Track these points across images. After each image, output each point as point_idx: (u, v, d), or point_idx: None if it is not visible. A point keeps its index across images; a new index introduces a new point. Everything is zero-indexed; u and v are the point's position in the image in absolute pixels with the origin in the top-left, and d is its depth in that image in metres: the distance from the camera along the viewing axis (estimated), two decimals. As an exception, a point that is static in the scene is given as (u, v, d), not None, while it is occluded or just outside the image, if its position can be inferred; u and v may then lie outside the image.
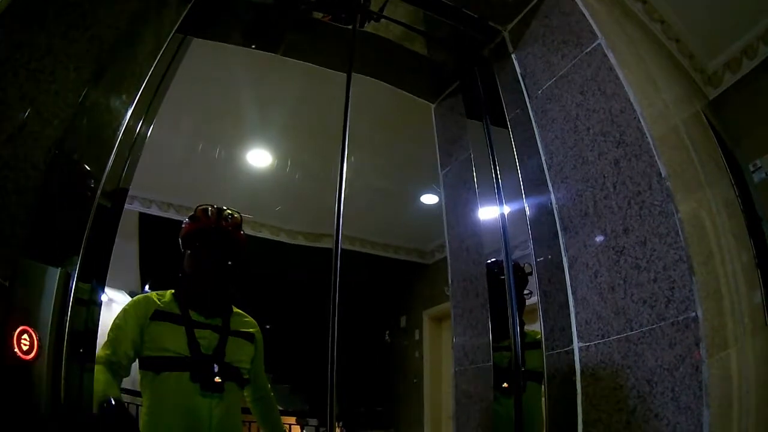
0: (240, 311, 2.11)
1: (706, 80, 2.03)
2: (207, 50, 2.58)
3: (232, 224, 2.02)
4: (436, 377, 5.05)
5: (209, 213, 2.00)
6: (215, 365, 1.85)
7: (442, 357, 5.07)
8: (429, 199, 4.43)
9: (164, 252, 3.12)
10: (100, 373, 1.68)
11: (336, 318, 1.83)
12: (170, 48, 2.20)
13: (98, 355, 1.71)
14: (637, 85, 1.72)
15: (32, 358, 1.39)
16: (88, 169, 1.73)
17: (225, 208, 2.06)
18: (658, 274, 1.48)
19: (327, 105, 3.20)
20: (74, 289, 1.56)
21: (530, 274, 2.09)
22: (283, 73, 3.06)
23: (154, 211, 4.60)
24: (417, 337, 5.35)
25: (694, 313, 1.36)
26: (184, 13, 2.24)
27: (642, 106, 1.65)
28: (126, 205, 1.86)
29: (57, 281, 1.49)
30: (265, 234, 4.82)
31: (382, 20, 2.52)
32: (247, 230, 2.18)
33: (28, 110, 1.44)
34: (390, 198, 4.36)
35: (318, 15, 2.45)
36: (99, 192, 1.78)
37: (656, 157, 1.54)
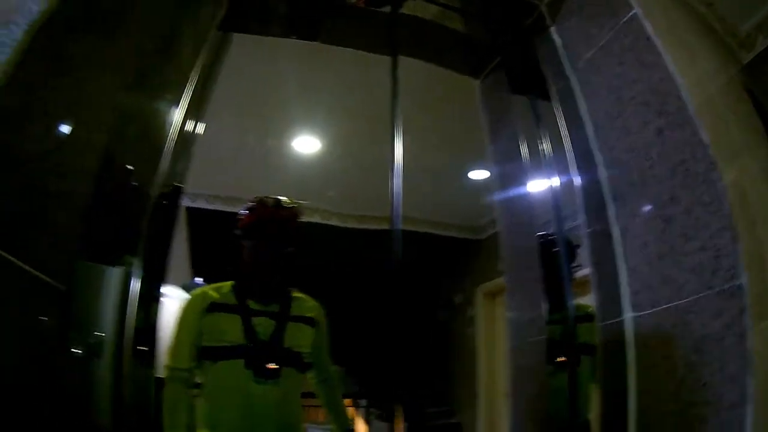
0: (302, 295, 2.12)
1: (740, 44, 2.00)
2: (248, 44, 2.65)
3: (290, 214, 2.03)
4: (490, 354, 5.06)
5: (267, 204, 2.00)
6: (271, 351, 1.88)
7: (496, 333, 5.08)
8: (478, 174, 4.46)
9: (213, 244, 3.24)
10: (168, 395, 1.78)
11: (396, 300, 1.91)
12: (211, 46, 2.28)
13: (165, 365, 1.82)
14: (675, 54, 1.72)
15: (95, 357, 1.48)
16: (138, 170, 1.79)
17: (282, 197, 2.06)
18: (704, 242, 1.51)
19: (369, 88, 3.26)
20: (135, 288, 1.66)
21: (578, 247, 2.14)
22: (324, 60, 3.12)
23: (201, 204, 4.73)
24: (471, 313, 5.38)
25: (739, 282, 1.38)
26: (222, 11, 2.33)
27: (681, 74, 1.66)
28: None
29: (118, 281, 1.58)
30: (316, 219, 4.92)
31: (419, 1, 2.58)
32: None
33: (75, 118, 1.48)
34: (439, 176, 4.41)
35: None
36: (152, 191, 1.89)
37: (698, 126, 1.56)
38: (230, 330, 1.86)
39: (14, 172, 1.23)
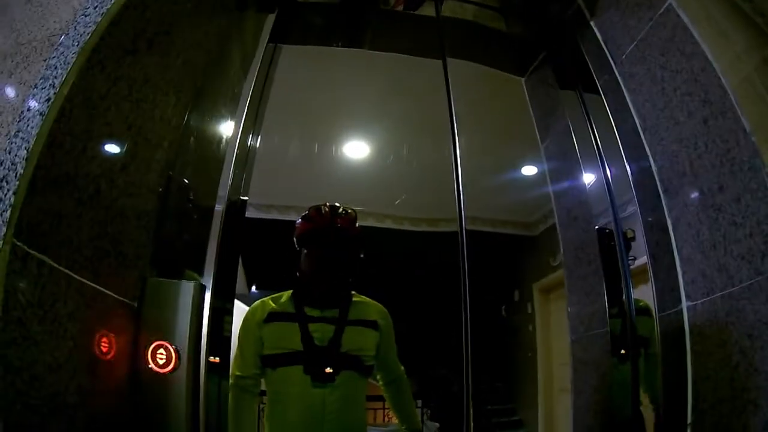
0: (363, 299, 2.13)
1: None
2: (296, 55, 2.73)
3: (347, 221, 2.05)
4: (546, 350, 5.05)
5: (323, 212, 2.03)
6: (328, 356, 1.91)
7: (551, 329, 5.07)
8: (528, 170, 4.49)
9: (268, 254, 3.33)
10: (234, 402, 1.89)
11: (467, 301, 1.98)
12: (259, 59, 2.37)
13: (231, 373, 1.92)
14: (712, 42, 1.76)
15: (170, 370, 1.53)
16: (200, 185, 1.88)
17: (338, 205, 2.08)
18: (753, 228, 1.55)
19: (416, 91, 3.32)
20: (207, 301, 1.73)
21: (632, 239, 2.18)
22: (373, 65, 3.21)
23: (254, 213, 4.82)
24: (530, 310, 5.37)
25: None
26: (265, 24, 2.45)
27: (720, 62, 1.70)
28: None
29: (192, 295, 1.63)
30: (370, 222, 4.98)
31: (457, 2, 2.66)
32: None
33: (137, 138, 1.55)
34: (491, 173, 4.45)
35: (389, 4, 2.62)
36: (216, 205, 2.01)
37: (740, 114, 1.60)
38: (288, 337, 1.91)
39: (83, 192, 1.30)
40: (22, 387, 1.09)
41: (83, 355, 1.32)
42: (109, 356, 1.42)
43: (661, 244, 1.98)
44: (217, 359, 1.85)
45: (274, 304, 1.97)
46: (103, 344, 1.40)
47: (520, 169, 4.45)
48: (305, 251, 2.04)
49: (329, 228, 2.02)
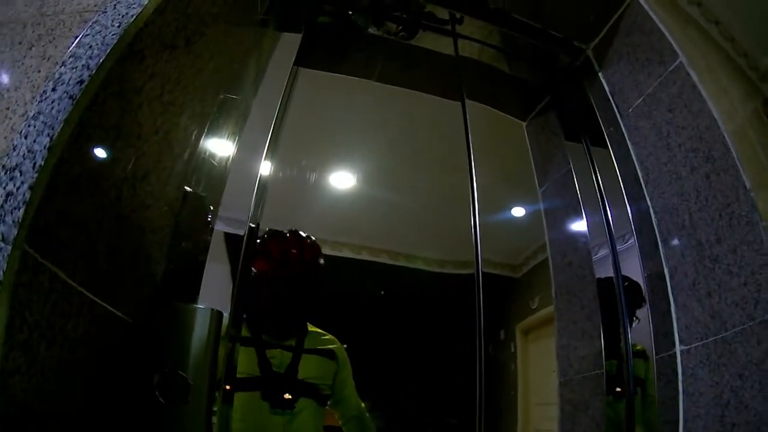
0: (317, 330, 2.20)
1: (761, 78, 2.31)
2: (314, 80, 2.89)
3: (311, 265, 2.15)
4: (525, 390, 5.30)
5: (289, 258, 2.12)
6: (286, 382, 1.99)
7: (530, 369, 5.32)
8: (517, 212, 4.76)
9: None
10: None
11: (482, 343, 2.14)
12: (274, 79, 2.42)
13: None
14: (716, 100, 2.01)
15: (182, 403, 1.43)
16: (210, 205, 1.84)
17: (302, 235, 2.16)
18: (747, 278, 1.79)
19: (430, 129, 3.55)
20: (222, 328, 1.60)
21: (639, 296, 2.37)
22: (375, 98, 3.39)
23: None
24: (513, 350, 5.62)
25: None
26: (283, 44, 2.55)
27: (724, 121, 1.95)
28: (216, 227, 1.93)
29: (209, 322, 1.53)
30: (345, 254, 5.13)
31: (465, 41, 2.92)
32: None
33: (162, 145, 1.46)
34: (486, 214, 4.68)
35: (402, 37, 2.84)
36: (218, 226, 1.93)
37: (741, 170, 1.85)
38: (244, 362, 1.93)
39: (105, 197, 1.21)
40: (25, 421, 0.98)
41: (93, 385, 1.23)
42: (119, 386, 1.34)
43: (657, 292, 2.21)
44: (228, 388, 1.75)
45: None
46: (113, 373, 1.31)
47: (511, 210, 4.72)
48: (263, 284, 2.11)
49: (292, 279, 2.11)
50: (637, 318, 2.42)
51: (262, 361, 2.01)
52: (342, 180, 4.19)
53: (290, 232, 2.20)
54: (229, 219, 2.18)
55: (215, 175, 1.95)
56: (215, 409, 1.57)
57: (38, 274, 0.99)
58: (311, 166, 4.04)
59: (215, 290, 1.79)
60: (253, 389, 1.97)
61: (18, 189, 0.97)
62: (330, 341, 2.22)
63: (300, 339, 2.13)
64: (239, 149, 2.15)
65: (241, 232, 1.98)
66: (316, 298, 2.20)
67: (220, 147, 1.98)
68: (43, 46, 1.23)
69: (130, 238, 1.37)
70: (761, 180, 1.89)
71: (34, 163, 0.99)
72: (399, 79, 3.06)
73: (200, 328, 1.52)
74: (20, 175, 0.98)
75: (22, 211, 0.95)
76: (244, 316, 1.98)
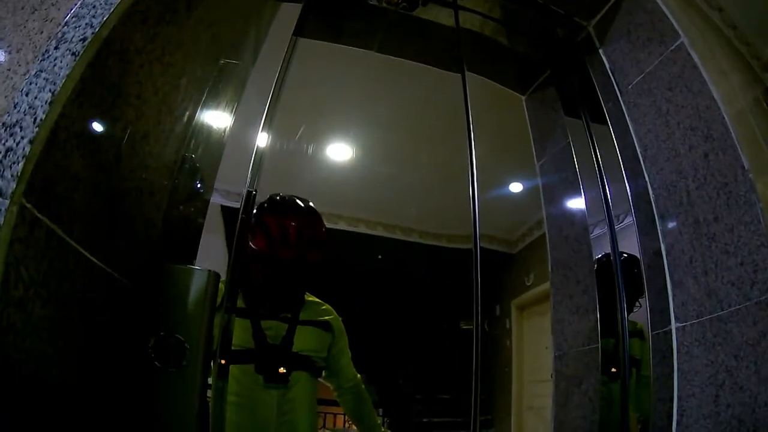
0: (315, 299, 2.19)
1: (763, 67, 2.31)
2: (313, 51, 2.83)
3: (311, 242, 2.08)
4: (519, 366, 5.35)
5: (289, 237, 2.03)
6: (281, 355, 1.97)
7: (524, 345, 5.37)
8: (515, 187, 4.76)
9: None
10: None
11: (478, 318, 2.14)
12: (272, 49, 2.40)
13: None
14: (717, 81, 2.01)
15: (179, 367, 1.42)
16: (204, 169, 1.81)
17: (305, 227, 2.08)
18: (744, 258, 1.80)
19: (431, 102, 3.57)
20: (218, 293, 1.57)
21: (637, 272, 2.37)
22: (375, 70, 3.41)
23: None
24: (508, 326, 5.67)
25: None
26: (283, 14, 2.52)
27: (724, 102, 1.95)
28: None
29: (206, 284, 1.50)
30: (341, 226, 5.14)
31: (466, 13, 2.90)
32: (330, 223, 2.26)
33: (161, 106, 1.46)
34: (484, 189, 4.68)
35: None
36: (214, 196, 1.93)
37: (739, 151, 1.85)
38: (239, 334, 1.91)
39: (104, 156, 1.22)
40: (19, 383, 0.97)
41: (88, 346, 1.22)
42: (115, 348, 1.33)
43: (653, 268, 2.22)
44: (223, 361, 1.75)
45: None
46: (109, 334, 1.30)
47: (509, 185, 4.72)
48: (261, 263, 2.07)
49: (291, 259, 2.05)
50: (638, 304, 2.42)
51: (257, 332, 1.99)
52: (339, 152, 4.19)
53: (289, 203, 2.14)
54: (226, 191, 2.17)
55: (213, 142, 1.94)
56: (210, 381, 1.57)
57: (35, 229, 0.99)
58: (308, 137, 4.04)
59: (210, 262, 1.70)
60: (247, 362, 1.95)
61: (18, 144, 0.97)
62: (326, 311, 2.20)
63: (296, 310, 2.11)
64: (237, 117, 2.12)
65: (236, 204, 1.97)
66: (316, 272, 2.15)
67: (218, 113, 1.97)
68: (46, 9, 1.23)
69: (128, 198, 1.37)
70: (760, 164, 1.89)
71: (35, 118, 1.00)
72: (399, 50, 3.03)
73: (197, 290, 1.50)
74: (20, 131, 0.98)
75: (21, 165, 0.95)
76: (239, 283, 1.93)
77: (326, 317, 2.17)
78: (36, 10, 1.24)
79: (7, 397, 0.94)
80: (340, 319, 2.22)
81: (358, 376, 2.28)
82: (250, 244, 2.05)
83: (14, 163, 0.95)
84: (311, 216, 2.14)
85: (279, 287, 2.09)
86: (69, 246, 1.09)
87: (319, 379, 2.18)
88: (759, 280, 1.75)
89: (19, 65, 1.12)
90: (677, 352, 2.01)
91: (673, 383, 1.99)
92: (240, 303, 1.97)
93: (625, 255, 2.50)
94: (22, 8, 1.25)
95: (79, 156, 1.11)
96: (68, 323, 1.13)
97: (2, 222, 0.91)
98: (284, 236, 2.04)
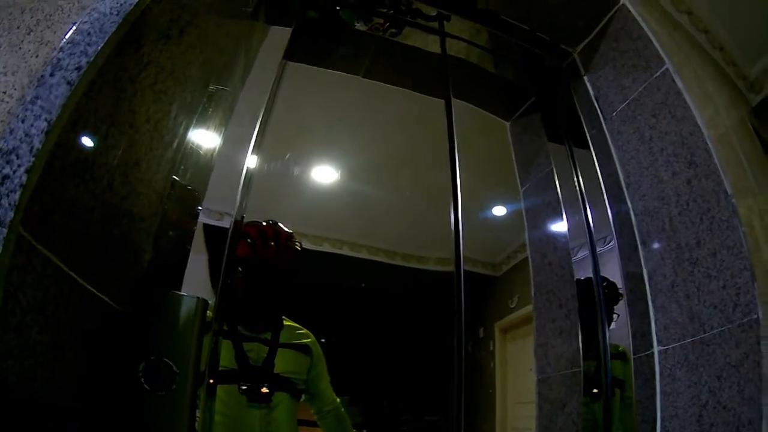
0: (292, 323, 2.21)
1: (749, 87, 2.35)
2: (301, 75, 2.87)
3: (290, 253, 2.16)
4: (503, 387, 5.36)
5: (268, 245, 2.11)
6: (263, 376, 1.99)
7: (508, 368, 5.38)
8: (499, 211, 4.79)
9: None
10: None
11: (461, 340, 2.15)
12: (262, 73, 2.41)
13: None
14: (701, 107, 2.05)
15: (169, 390, 1.42)
16: (196, 194, 1.79)
17: (281, 228, 2.17)
18: (726, 281, 1.82)
19: (415, 125, 3.56)
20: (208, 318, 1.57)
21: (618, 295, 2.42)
22: (361, 95, 3.40)
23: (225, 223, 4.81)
24: (491, 348, 5.69)
25: (756, 315, 1.69)
26: (272, 38, 2.55)
27: (707, 127, 1.99)
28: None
29: (194, 310, 1.52)
30: (325, 248, 5.13)
31: (453, 40, 2.93)
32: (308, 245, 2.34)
33: (153, 133, 1.46)
34: (465, 212, 4.70)
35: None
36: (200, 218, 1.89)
37: (722, 176, 1.88)
38: (224, 355, 1.90)
39: (98, 183, 1.21)
40: (17, 406, 0.98)
41: (82, 370, 1.23)
42: (107, 372, 1.34)
43: (636, 293, 2.24)
44: (212, 381, 1.72)
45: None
46: (101, 358, 1.31)
47: (493, 209, 4.75)
48: (242, 273, 2.10)
49: (272, 262, 2.13)
50: (616, 314, 2.45)
51: (239, 354, 2.01)
52: (325, 174, 4.20)
53: (267, 221, 2.21)
54: (211, 210, 2.16)
55: (202, 166, 1.93)
56: (199, 402, 1.55)
57: (32, 257, 1.00)
58: (295, 159, 4.04)
59: (193, 281, 1.71)
60: (231, 382, 1.97)
61: (14, 172, 0.97)
62: (304, 335, 2.23)
63: (275, 332, 2.14)
64: (225, 141, 2.11)
65: (221, 224, 1.98)
66: (291, 285, 2.18)
67: (207, 138, 1.96)
68: (41, 31, 1.23)
69: (120, 224, 1.37)
70: (743, 186, 1.92)
71: (32, 147, 1.00)
72: (386, 76, 3.05)
73: (186, 316, 1.52)
74: (17, 159, 0.99)
75: (18, 194, 0.95)
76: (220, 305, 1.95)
77: (304, 340, 2.20)
78: (31, 31, 1.24)
79: (6, 420, 0.95)
80: (318, 343, 2.25)
81: (338, 399, 2.31)
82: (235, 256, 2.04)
83: (11, 191, 0.95)
84: (287, 230, 2.22)
85: (262, 295, 2.12)
86: (64, 273, 1.10)
87: (300, 401, 2.20)
88: (741, 302, 1.78)
89: (15, 89, 1.12)
90: (660, 375, 2.03)
91: (657, 405, 2.00)
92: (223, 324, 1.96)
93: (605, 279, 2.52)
94: (18, 28, 1.25)
95: (73, 185, 1.12)
96: (63, 348, 1.14)
97: (0, 250, 0.91)
98: (263, 237, 2.11)
